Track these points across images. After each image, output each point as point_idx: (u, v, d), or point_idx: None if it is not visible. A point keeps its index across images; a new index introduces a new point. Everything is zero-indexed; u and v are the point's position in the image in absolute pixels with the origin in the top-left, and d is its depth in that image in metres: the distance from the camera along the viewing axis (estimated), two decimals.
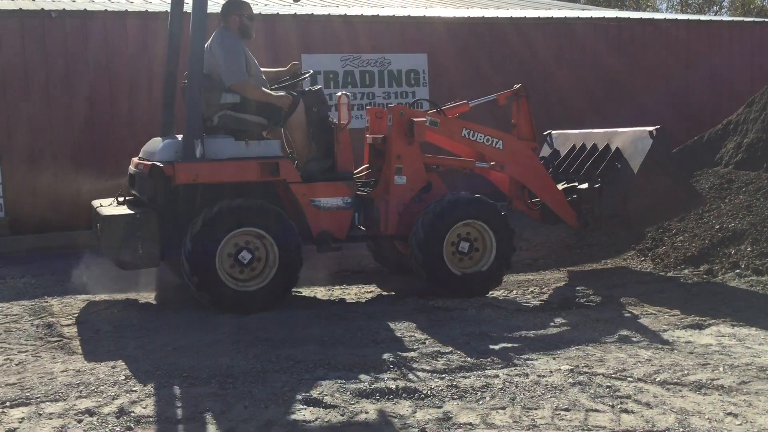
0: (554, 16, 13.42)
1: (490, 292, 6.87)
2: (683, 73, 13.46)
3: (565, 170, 7.95)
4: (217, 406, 4.22)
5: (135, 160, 6.95)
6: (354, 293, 7.10)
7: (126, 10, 10.55)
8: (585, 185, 7.53)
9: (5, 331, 5.83)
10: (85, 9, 10.43)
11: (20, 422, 4.03)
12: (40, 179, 9.70)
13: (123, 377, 4.69)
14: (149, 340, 5.51)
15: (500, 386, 4.48)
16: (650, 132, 7.20)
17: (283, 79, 7.19)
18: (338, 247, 7.01)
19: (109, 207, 6.69)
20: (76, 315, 6.32)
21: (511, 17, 13.14)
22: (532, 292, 6.96)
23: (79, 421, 4.02)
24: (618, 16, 14.41)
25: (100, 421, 4.03)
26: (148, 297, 6.98)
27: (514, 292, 6.99)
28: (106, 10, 10.47)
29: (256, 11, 11.51)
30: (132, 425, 3.97)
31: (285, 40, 11.32)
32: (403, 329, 5.72)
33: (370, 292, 7.16)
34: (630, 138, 7.43)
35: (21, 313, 6.37)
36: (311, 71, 7.54)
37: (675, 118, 12.77)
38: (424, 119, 7.10)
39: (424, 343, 5.35)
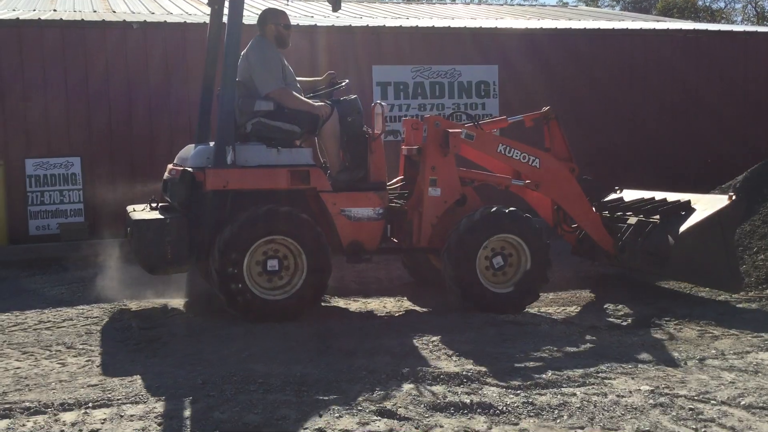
0: (628, 28, 13.19)
1: (562, 308, 6.75)
2: (764, 86, 13.03)
3: (623, 209, 7.64)
4: (293, 413, 4.25)
5: (169, 166, 7.02)
6: (385, 306, 7.02)
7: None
8: (638, 218, 7.26)
9: (86, 333, 6.00)
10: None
11: (102, 423, 4.13)
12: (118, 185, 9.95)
13: (200, 381, 4.76)
14: (224, 345, 5.59)
15: (578, 405, 4.39)
16: (729, 195, 6.91)
17: (319, 89, 7.20)
18: (368, 258, 6.93)
19: (141, 212, 6.73)
20: (153, 319, 6.47)
21: (584, 29, 12.97)
22: (606, 309, 6.81)
23: (159, 424, 4.10)
24: (695, 28, 14.05)
25: (179, 424, 4.10)
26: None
27: (587, 308, 6.84)
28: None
29: (328, 23, 11.74)
30: (210, 429, 4.03)
31: (356, 51, 11.41)
32: (476, 342, 5.66)
33: (404, 307, 7.05)
34: (707, 198, 7.16)
35: (101, 316, 6.56)
36: (347, 81, 7.41)
37: (756, 130, 12.44)
38: (459, 131, 7.00)
39: (497, 358, 5.29)
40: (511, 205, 6.91)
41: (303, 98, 6.74)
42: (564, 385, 4.72)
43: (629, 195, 7.93)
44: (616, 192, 8.16)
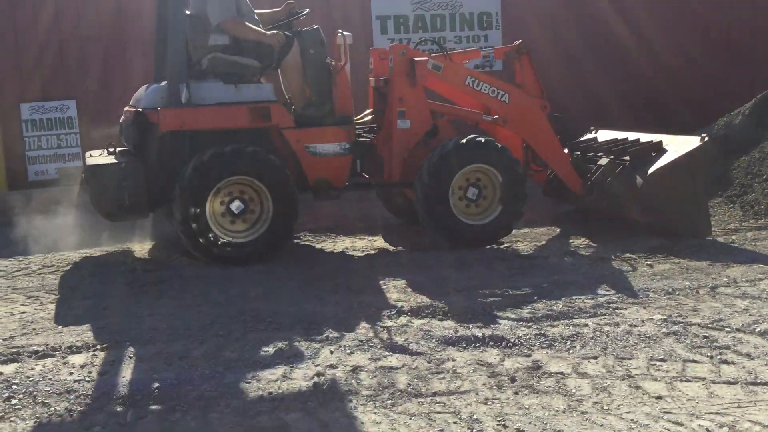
0: None
1: (571, 240, 6.68)
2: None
3: (595, 149, 7.41)
4: (304, 351, 4.21)
5: (126, 108, 6.70)
6: (387, 244, 6.91)
7: None
8: (608, 159, 7.01)
9: (90, 276, 5.94)
10: None
11: (111, 365, 4.10)
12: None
13: (209, 322, 4.72)
14: (231, 286, 5.53)
15: (590, 335, 4.35)
16: (701, 137, 6.65)
17: (279, 20, 6.84)
18: (336, 196, 6.71)
19: (97, 157, 6.44)
20: (158, 261, 6.41)
21: None
22: (614, 241, 6.71)
23: (169, 364, 4.07)
24: None
25: (189, 364, 4.07)
26: None
27: (595, 240, 6.76)
28: None
29: None
30: (221, 369, 4.00)
31: None
32: (485, 277, 5.60)
33: (408, 244, 6.85)
34: (679, 140, 6.88)
35: (106, 260, 6.50)
36: (307, 10, 6.95)
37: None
38: (425, 58, 6.73)
39: (508, 291, 5.23)
40: None
41: (255, 28, 6.37)
42: (576, 316, 4.68)
43: (604, 136, 7.72)
44: (591, 132, 7.96)
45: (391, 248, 6.70)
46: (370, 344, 4.28)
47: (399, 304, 4.95)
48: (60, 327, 4.73)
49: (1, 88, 9.72)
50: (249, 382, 3.84)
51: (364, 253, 6.49)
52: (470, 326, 4.53)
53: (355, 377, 3.86)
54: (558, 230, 7.14)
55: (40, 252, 6.65)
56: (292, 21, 6.85)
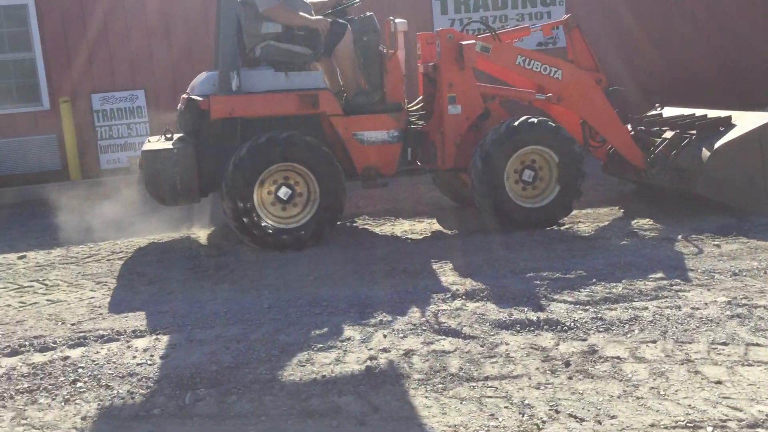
0: None
1: (634, 220, 6.52)
2: None
3: (659, 124, 7.15)
4: (357, 335, 4.25)
5: (183, 96, 6.77)
6: (443, 227, 6.84)
7: None
8: (673, 132, 6.77)
9: (157, 262, 6.12)
10: None
11: (173, 348, 4.22)
12: None
13: (267, 306, 4.81)
14: (289, 270, 5.61)
15: (650, 319, 4.25)
16: None
17: (336, 8, 6.82)
18: (384, 183, 6.65)
19: (153, 143, 6.59)
20: (221, 246, 6.55)
21: None
22: (680, 220, 6.51)
23: (228, 348, 4.16)
24: None
25: (246, 347, 4.16)
26: None
27: (659, 220, 6.57)
28: None
29: None
30: (277, 352, 4.07)
31: None
32: (543, 259, 5.53)
33: (464, 228, 6.77)
34: (749, 115, 6.60)
35: (171, 245, 6.68)
36: (358, 1, 6.90)
37: None
38: (473, 43, 6.57)
39: (565, 273, 5.15)
40: None
41: (299, 14, 6.33)
42: (635, 299, 4.57)
43: (670, 112, 7.46)
44: (656, 108, 7.70)
45: (449, 231, 6.67)
46: (423, 328, 4.29)
47: (454, 288, 4.94)
48: (125, 312, 4.89)
49: (73, 79, 10.08)
50: (303, 366, 3.90)
51: (421, 237, 6.48)
52: (525, 309, 4.48)
53: (407, 361, 3.88)
54: (621, 210, 6.97)
55: (111, 238, 6.87)
56: (347, 9, 6.85)
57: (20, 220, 8.13)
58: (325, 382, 3.71)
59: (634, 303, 4.51)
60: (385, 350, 4.03)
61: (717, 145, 6.31)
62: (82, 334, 4.46)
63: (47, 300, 5.27)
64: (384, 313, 4.55)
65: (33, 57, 10.14)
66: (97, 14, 10.14)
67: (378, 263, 5.70)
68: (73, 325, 4.68)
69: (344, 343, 4.15)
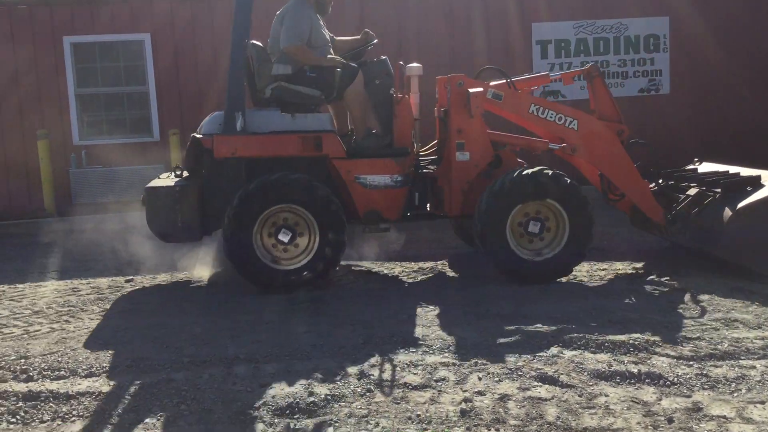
0: None
1: (735, 275, 6.28)
2: None
3: (688, 179, 6.94)
4: (452, 375, 4.24)
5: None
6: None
7: None
8: (697, 190, 6.53)
9: (255, 293, 6.28)
10: None
11: (272, 376, 4.32)
12: None
13: (361, 341, 4.87)
14: (383, 307, 5.67)
15: (758, 379, 4.08)
16: None
17: (357, 48, 6.89)
18: (387, 229, 6.58)
19: (160, 180, 6.66)
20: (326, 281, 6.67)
21: None
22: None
23: (324, 380, 4.23)
24: None
25: (342, 381, 4.21)
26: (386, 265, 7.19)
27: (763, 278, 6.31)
28: None
29: None
30: (372, 388, 4.11)
31: (514, 8, 11.09)
32: (642, 310, 5.39)
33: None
34: None
35: None
36: (376, 40, 6.91)
37: None
38: (480, 89, 6.48)
39: (667, 326, 5.01)
40: (559, 170, 6.34)
41: (314, 54, 6.39)
42: (742, 357, 4.40)
43: (707, 168, 7.22)
44: (694, 163, 7.44)
45: None
46: (519, 373, 4.24)
47: (549, 334, 4.87)
48: (225, 339, 5.04)
49: (182, 112, 10.55)
50: (398, 403, 3.92)
51: (510, 281, 6.41)
52: (625, 361, 4.38)
53: (502, 406, 3.85)
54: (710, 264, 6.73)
55: (213, 269, 7.11)
56: (362, 51, 6.94)
57: (124, 242, 8.48)
58: (420, 421, 3.72)
59: (740, 361, 4.34)
60: (480, 393, 4.01)
61: (740, 205, 6.04)
62: (186, 359, 4.63)
63: (150, 323, 5.49)
64: (478, 356, 4.53)
65: (146, 90, 10.70)
66: (207, 50, 10.64)
67: (470, 305, 5.68)
68: (176, 349, 4.85)
69: (439, 384, 4.15)
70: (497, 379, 4.19)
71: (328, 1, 6.73)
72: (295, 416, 3.81)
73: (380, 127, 6.69)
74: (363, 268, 7.07)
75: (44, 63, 10.60)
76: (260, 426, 3.72)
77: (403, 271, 6.93)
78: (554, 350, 4.60)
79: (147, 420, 3.83)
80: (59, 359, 4.74)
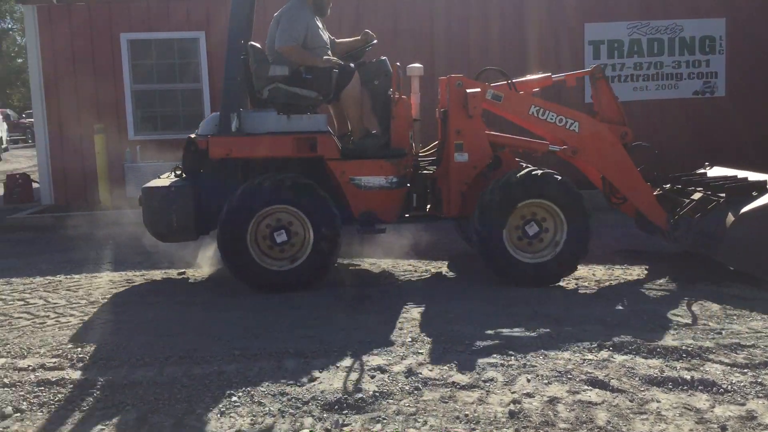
0: None
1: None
2: None
3: (695, 184, 6.80)
4: (500, 376, 4.23)
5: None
6: (593, 274, 6.71)
7: None
8: (702, 194, 6.41)
9: (305, 290, 6.33)
10: None
11: (320, 372, 4.36)
12: None
13: (410, 339, 4.89)
14: (430, 305, 5.68)
15: None
16: None
17: (356, 49, 6.87)
18: (382, 230, 6.52)
19: (159, 180, 6.71)
20: (364, 277, 6.72)
21: None
22: None
23: (372, 377, 4.26)
24: None
25: (390, 378, 4.24)
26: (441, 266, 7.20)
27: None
28: None
29: None
30: (420, 386, 4.12)
31: (567, 9, 10.99)
32: (696, 317, 5.30)
33: (614, 275, 6.71)
34: None
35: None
36: (375, 41, 6.88)
37: None
38: (479, 90, 6.40)
39: (721, 333, 4.92)
40: (563, 173, 6.31)
41: (309, 55, 6.38)
42: None
43: (717, 172, 7.07)
44: (705, 167, 7.30)
45: (593, 280, 6.51)
46: (569, 376, 4.21)
47: (600, 337, 4.82)
48: (275, 333, 5.11)
49: None
50: (446, 402, 3.93)
51: (564, 282, 6.37)
52: (678, 367, 4.31)
53: (552, 408, 3.83)
54: None
55: None
56: (361, 52, 6.90)
57: None
58: (468, 421, 3.72)
59: None
60: (528, 395, 3.99)
61: (743, 210, 5.89)
62: (238, 352, 4.70)
63: (203, 316, 5.59)
64: (527, 357, 4.51)
65: (200, 88, 10.88)
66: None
67: (519, 305, 5.66)
68: (227, 342, 4.93)
69: (487, 384, 4.14)
70: (546, 381, 4.17)
71: (326, 2, 6.72)
72: (344, 411, 3.85)
73: (379, 127, 6.69)
74: (409, 267, 7.08)
75: (101, 59, 10.86)
76: (309, 420, 3.77)
77: (448, 271, 6.93)
78: (605, 354, 4.55)
79: (198, 411, 3.90)
80: (114, 349, 4.86)
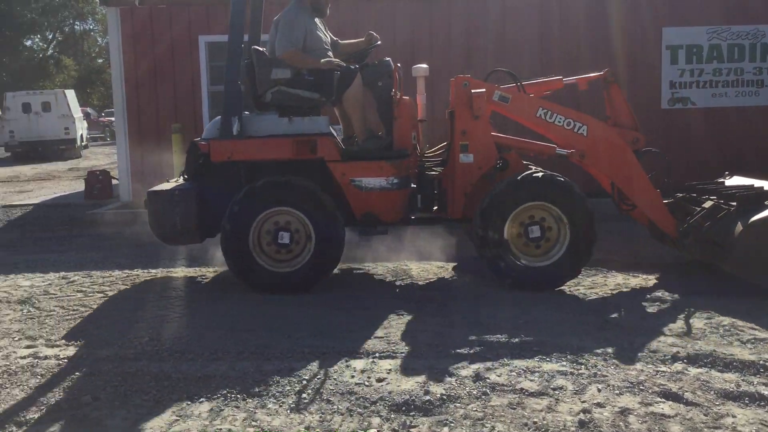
0: None
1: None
2: None
3: (709, 192, 6.58)
4: (570, 385, 4.19)
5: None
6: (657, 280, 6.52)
7: None
8: (713, 202, 6.23)
9: (367, 289, 6.40)
10: None
11: (388, 373, 4.39)
12: None
13: (477, 343, 4.87)
14: (499, 311, 5.64)
15: None
16: None
17: (360, 50, 6.84)
18: (384, 231, 6.51)
19: (166, 183, 6.78)
20: (431, 280, 6.73)
21: None
22: None
23: (439, 380, 4.26)
24: None
25: (458, 382, 4.23)
26: None
27: None
28: None
29: None
30: (487, 391, 4.11)
31: (644, 12, 10.77)
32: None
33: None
34: None
35: (384, 275, 6.96)
36: (379, 42, 6.86)
37: None
38: (483, 90, 6.30)
39: None
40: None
41: (310, 57, 6.40)
42: None
43: (736, 182, 6.82)
44: (725, 177, 7.05)
45: (667, 291, 6.34)
46: (641, 387, 4.13)
47: (674, 349, 4.71)
48: (343, 333, 5.16)
49: None
50: (514, 409, 3.90)
51: (635, 292, 6.24)
52: (755, 382, 4.18)
53: (623, 420, 3.76)
54: None
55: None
56: (366, 53, 6.88)
57: None
58: (536, 428, 3.69)
59: None
60: (599, 405, 3.93)
61: (752, 219, 5.72)
62: (306, 349, 4.78)
63: (273, 313, 5.70)
64: (598, 367, 4.45)
65: None
66: None
67: (589, 314, 5.57)
68: (297, 339, 5.01)
69: (556, 392, 4.10)
70: (618, 391, 4.10)
71: (324, 3, 6.73)
72: (411, 413, 3.87)
73: (384, 128, 6.69)
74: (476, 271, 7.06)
75: (180, 60, 11.17)
76: (377, 420, 3.80)
77: None
78: (679, 366, 4.45)
79: (269, 405, 3.98)
80: (188, 342, 5.00)
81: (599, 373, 4.36)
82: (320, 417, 3.84)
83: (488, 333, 5.11)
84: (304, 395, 4.10)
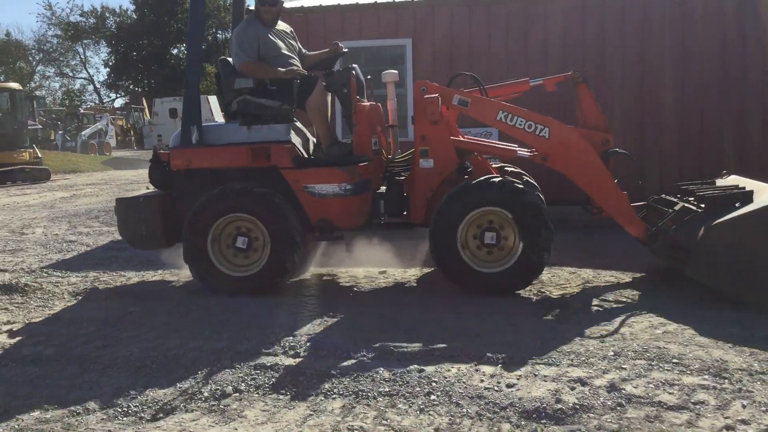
0: None
1: None
2: None
3: (690, 193, 6.35)
4: (712, 399, 3.99)
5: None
6: None
7: None
8: (681, 205, 5.91)
9: (504, 295, 6.33)
10: None
11: (518, 379, 4.35)
12: None
13: (612, 353, 4.73)
14: (636, 320, 5.46)
15: None
16: None
17: (325, 60, 7.02)
18: (340, 237, 6.60)
19: (134, 192, 6.98)
20: (564, 286, 6.60)
21: None
22: None
23: (572, 389, 4.18)
24: None
25: (591, 392, 4.14)
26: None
27: None
28: None
29: None
30: (623, 402, 3.99)
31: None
32: None
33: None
34: None
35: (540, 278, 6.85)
36: (346, 50, 7.01)
37: None
38: (435, 96, 6.17)
39: None
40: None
41: (269, 67, 6.55)
42: None
43: (730, 182, 6.42)
44: (723, 176, 6.66)
45: None
46: None
47: None
48: (474, 337, 5.15)
49: None
50: (651, 422, 3.77)
51: None
52: None
53: None
54: None
55: (401, 266, 7.48)
56: (331, 61, 7.03)
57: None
58: None
59: None
60: (744, 422, 3.73)
61: (716, 222, 5.38)
62: (436, 351, 4.81)
63: (404, 315, 5.76)
64: (742, 381, 4.22)
65: (404, 93, 11.18)
66: (463, 55, 10.87)
67: (734, 326, 5.28)
68: (426, 341, 5.06)
69: (697, 407, 3.92)
70: (764, 408, 3.87)
71: (267, 14, 6.78)
72: (542, 421, 3.82)
73: (351, 134, 6.70)
74: (612, 278, 6.85)
75: None
76: (506, 426, 3.78)
77: (641, 282, 6.63)
78: None
79: (399, 405, 4.04)
80: (320, 339, 5.16)
81: (744, 388, 4.13)
82: (449, 420, 3.86)
83: (623, 343, 4.95)
84: (433, 397, 4.13)
